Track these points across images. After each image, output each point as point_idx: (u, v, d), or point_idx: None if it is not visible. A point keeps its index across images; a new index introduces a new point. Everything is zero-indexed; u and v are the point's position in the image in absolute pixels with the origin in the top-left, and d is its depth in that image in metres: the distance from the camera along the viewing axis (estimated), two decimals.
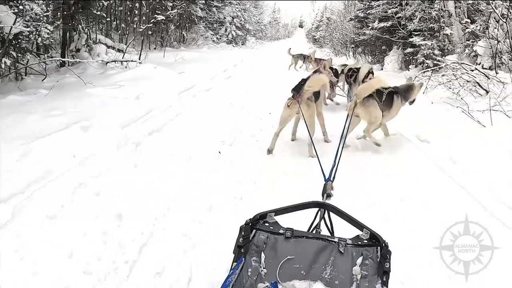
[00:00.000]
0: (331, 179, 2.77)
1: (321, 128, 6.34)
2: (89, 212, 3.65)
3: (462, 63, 10.04)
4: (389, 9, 17.14)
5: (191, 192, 4.31)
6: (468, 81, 9.17)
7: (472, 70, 9.43)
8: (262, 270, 1.81)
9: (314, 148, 4.26)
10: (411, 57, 15.81)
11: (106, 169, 4.56)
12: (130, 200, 3.93)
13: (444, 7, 14.46)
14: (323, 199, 2.49)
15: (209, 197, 4.18)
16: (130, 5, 17.30)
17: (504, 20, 10.05)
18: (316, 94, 5.93)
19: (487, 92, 8.63)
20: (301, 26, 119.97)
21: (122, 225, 3.56)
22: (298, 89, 5.58)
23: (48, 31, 7.88)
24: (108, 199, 3.94)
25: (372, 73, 9.40)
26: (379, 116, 5.89)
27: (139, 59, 12.35)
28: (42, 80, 8.65)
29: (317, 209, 2.23)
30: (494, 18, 10.84)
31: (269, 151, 5.75)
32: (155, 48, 20.59)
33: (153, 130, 6.18)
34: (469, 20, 12.96)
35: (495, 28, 10.70)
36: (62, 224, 3.42)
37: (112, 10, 16.60)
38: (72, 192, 3.92)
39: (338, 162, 3.09)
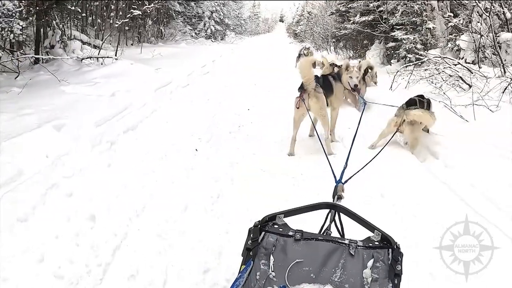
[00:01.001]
0: (342, 181, 2.73)
1: (331, 125, 6.00)
2: (61, 214, 3.56)
3: (444, 57, 10.12)
4: (371, 2, 17.15)
5: (166, 191, 4.25)
6: (450, 76, 9.25)
7: (455, 65, 9.52)
8: (270, 274, 1.77)
9: (323, 147, 4.14)
10: (393, 52, 15.85)
11: (79, 169, 4.46)
12: (103, 201, 3.85)
13: (427, 1, 14.53)
14: (333, 201, 2.45)
15: (185, 196, 4.12)
16: (106, 0, 17.04)
17: (487, 14, 10.10)
18: (329, 87, 5.84)
19: (470, 86, 8.71)
20: (281, 20, 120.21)
21: (95, 226, 3.48)
22: (303, 87, 5.48)
23: (20, 27, 7.70)
24: (81, 200, 3.85)
25: (371, 68, 9.49)
26: (419, 138, 5.84)
27: (115, 55, 12.15)
28: (15, 78, 8.48)
29: (328, 210, 2.19)
30: (477, 12, 10.91)
31: (291, 155, 5.64)
32: (132, 44, 20.40)
33: (128, 128, 6.07)
34: (452, 14, 13.10)
35: (478, 22, 10.76)
36: (34, 227, 3.34)
37: (87, 5, 16.34)
38: (44, 193, 3.82)
39: (361, 167, 3.11)
